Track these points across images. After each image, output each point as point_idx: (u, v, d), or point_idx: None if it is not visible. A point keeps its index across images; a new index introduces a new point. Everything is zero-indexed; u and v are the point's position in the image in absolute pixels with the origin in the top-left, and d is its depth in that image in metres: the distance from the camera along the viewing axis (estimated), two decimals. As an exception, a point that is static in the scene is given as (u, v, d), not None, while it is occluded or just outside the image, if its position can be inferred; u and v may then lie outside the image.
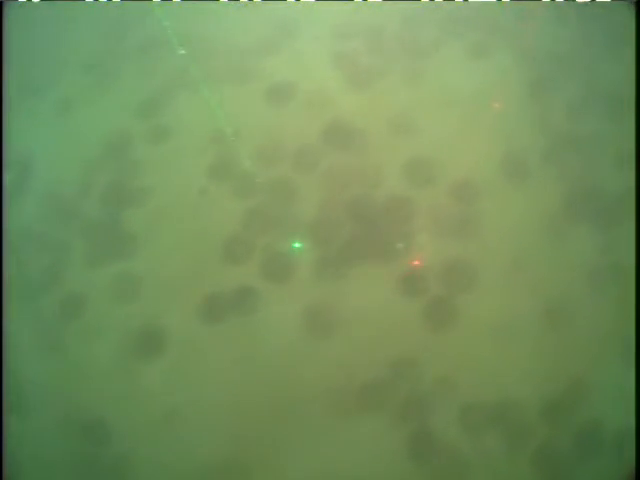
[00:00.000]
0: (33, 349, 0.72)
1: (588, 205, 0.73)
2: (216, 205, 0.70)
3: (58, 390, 0.70)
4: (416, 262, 0.70)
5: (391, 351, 0.67)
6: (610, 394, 0.69)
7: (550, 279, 0.70)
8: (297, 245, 0.70)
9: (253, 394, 0.67)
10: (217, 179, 0.70)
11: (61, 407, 0.69)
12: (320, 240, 0.68)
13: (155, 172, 0.71)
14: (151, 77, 0.73)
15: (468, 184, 0.71)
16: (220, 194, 0.70)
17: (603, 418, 0.67)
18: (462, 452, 0.65)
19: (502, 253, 0.70)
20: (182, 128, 0.72)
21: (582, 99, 0.77)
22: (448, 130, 0.73)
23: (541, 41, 0.79)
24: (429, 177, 0.71)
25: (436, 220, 0.69)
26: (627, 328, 0.71)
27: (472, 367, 0.67)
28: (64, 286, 0.71)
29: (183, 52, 0.75)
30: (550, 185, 0.73)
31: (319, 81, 0.73)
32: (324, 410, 0.66)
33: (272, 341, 0.67)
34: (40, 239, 0.74)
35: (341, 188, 0.69)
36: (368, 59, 0.75)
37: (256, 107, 0.72)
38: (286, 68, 0.74)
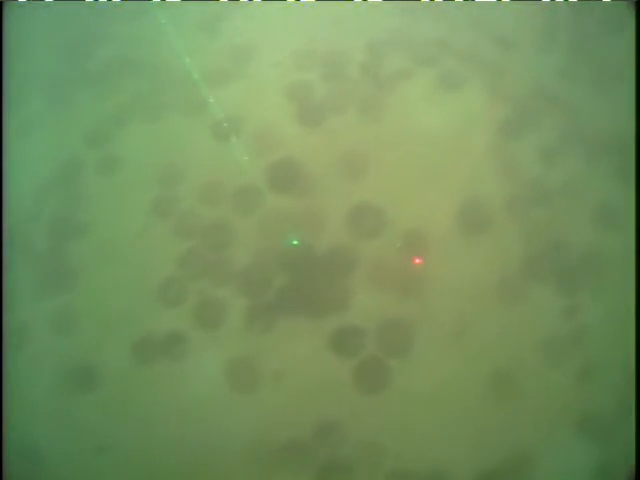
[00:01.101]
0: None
1: (552, 264, 0.67)
2: (155, 244, 0.68)
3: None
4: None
5: (316, 410, 0.63)
6: (556, 476, 0.65)
7: (499, 346, 0.65)
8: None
9: (176, 439, 0.65)
10: (158, 217, 0.69)
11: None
12: (252, 289, 0.66)
13: (99, 206, 0.70)
14: (103, 104, 0.72)
15: (417, 236, 0.66)
16: (159, 233, 0.69)
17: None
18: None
19: (447, 315, 0.65)
20: (128, 160, 0.70)
21: (560, 141, 0.70)
22: (403, 174, 0.68)
23: (521, 69, 0.73)
24: (376, 227, 0.67)
25: (378, 275, 0.66)
26: (587, 401, 0.67)
27: (401, 435, 0.64)
28: (8, 316, 0.72)
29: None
30: (510, 240, 0.67)
31: (269, 115, 0.69)
32: (243, 464, 0.64)
33: (197, 389, 0.65)
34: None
35: (280, 234, 0.67)
36: (325, 91, 0.70)
37: (202, 142, 0.69)
38: (237, 100, 0.70)
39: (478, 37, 0.73)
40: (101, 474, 0.69)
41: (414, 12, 0.73)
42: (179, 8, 0.73)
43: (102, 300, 0.69)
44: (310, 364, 0.65)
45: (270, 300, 0.66)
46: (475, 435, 0.64)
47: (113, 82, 0.72)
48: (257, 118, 0.70)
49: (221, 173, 0.69)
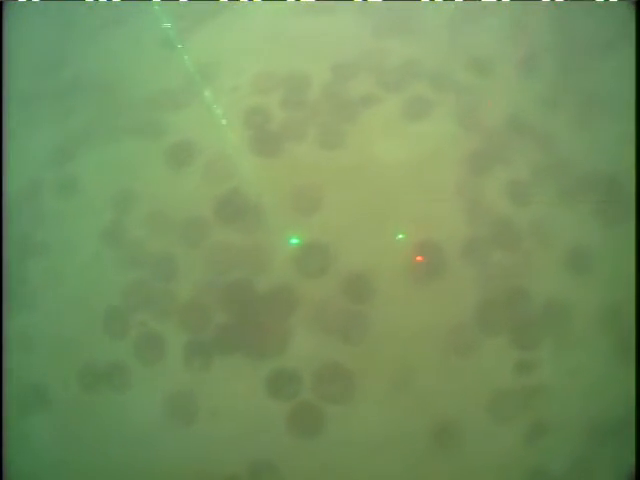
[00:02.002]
0: None
1: (510, 315, 0.62)
2: (103, 272, 0.68)
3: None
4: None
5: (250, 451, 0.62)
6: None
7: (445, 398, 0.61)
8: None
9: (116, 467, 0.66)
10: (107, 244, 0.68)
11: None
12: (192, 324, 0.65)
13: (55, 228, 0.70)
14: (63, 124, 0.71)
15: (364, 279, 0.63)
16: (108, 260, 0.68)
17: None
18: None
19: (390, 363, 0.61)
20: (83, 184, 0.69)
21: (532, 177, 0.64)
22: (357, 211, 0.63)
23: (495, 96, 0.66)
24: (321, 266, 0.64)
25: (320, 317, 0.63)
26: (536, 462, 0.62)
27: (335, 484, 0.63)
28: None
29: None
30: (465, 286, 0.62)
31: (224, 143, 0.67)
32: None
33: (136, 421, 0.66)
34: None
35: (223, 269, 0.65)
36: (284, 118, 0.67)
37: (154, 169, 0.67)
38: (192, 125, 0.67)
39: (451, 60, 0.67)
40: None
41: (384, 33, 0.69)
42: (141, 28, 0.72)
43: (53, 323, 0.70)
44: (246, 404, 0.64)
45: (209, 337, 0.65)
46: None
47: (73, 102, 0.72)
48: (210, 145, 0.67)
49: (171, 202, 0.67)
